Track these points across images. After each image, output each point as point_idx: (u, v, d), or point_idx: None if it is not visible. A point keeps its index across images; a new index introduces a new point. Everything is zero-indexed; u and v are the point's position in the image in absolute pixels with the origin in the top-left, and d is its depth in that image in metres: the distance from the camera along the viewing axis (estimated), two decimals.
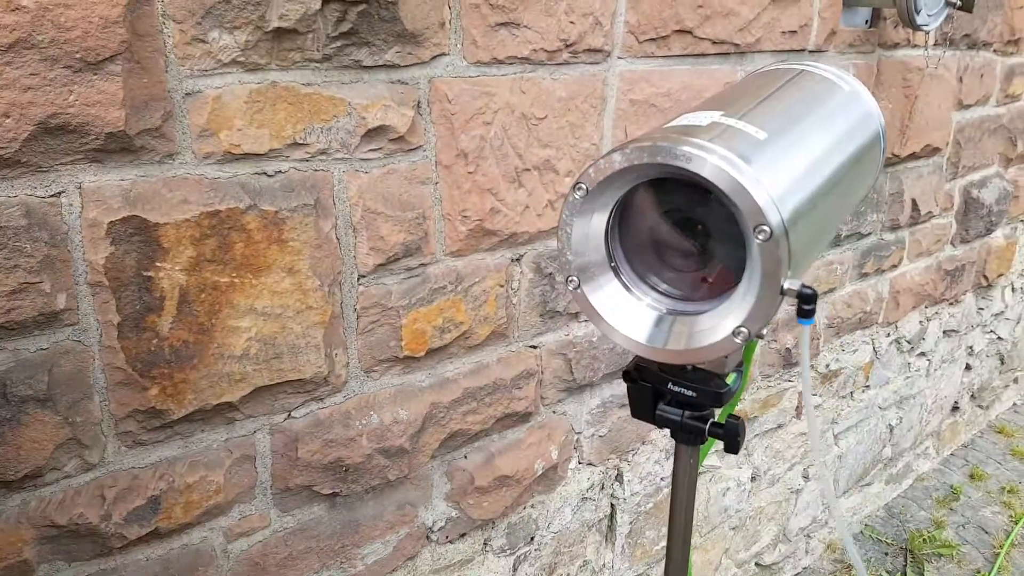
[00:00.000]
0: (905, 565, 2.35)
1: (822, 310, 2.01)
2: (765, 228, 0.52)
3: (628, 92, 1.35)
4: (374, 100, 1.05)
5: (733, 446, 0.69)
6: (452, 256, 1.20)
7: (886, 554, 2.41)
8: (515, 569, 1.49)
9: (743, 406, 1.91)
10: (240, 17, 0.92)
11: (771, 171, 0.54)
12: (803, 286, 0.54)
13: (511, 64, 1.18)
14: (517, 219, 1.24)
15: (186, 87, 0.90)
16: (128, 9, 0.84)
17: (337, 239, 1.07)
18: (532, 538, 1.50)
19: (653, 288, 0.63)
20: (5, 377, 0.83)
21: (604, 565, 1.67)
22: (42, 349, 0.86)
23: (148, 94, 0.87)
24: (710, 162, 0.53)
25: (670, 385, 0.69)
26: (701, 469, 1.87)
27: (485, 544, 1.42)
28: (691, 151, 0.53)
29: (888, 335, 2.29)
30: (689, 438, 0.73)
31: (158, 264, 0.91)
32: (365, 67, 1.04)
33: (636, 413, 0.73)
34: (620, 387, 1.55)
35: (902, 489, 2.70)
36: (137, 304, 0.90)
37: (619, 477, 1.64)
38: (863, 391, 2.29)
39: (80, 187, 0.85)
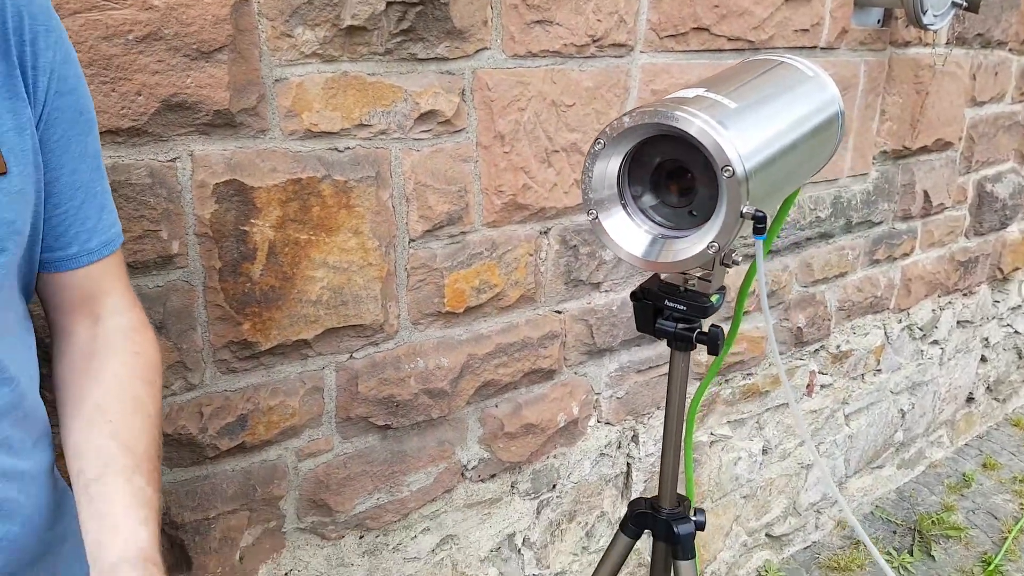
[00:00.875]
0: (912, 544, 2.54)
1: (833, 293, 2.21)
2: (729, 168, 0.77)
3: (650, 83, 1.57)
4: (426, 88, 1.28)
5: (714, 348, 0.93)
6: (488, 226, 1.43)
7: (895, 532, 2.61)
8: (538, 512, 1.71)
9: (754, 380, 2.12)
10: (320, 16, 1.15)
11: (740, 132, 0.79)
12: (757, 210, 0.78)
13: (544, 57, 1.41)
14: (546, 195, 1.47)
15: (275, 74, 1.14)
16: (233, 8, 1.08)
17: (392, 207, 1.30)
18: (554, 486, 1.72)
19: (650, 219, 0.88)
20: None
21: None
22: (158, 286, 1.10)
23: (246, 79, 1.11)
24: (695, 123, 0.77)
25: (667, 302, 0.95)
26: (713, 438, 2.08)
27: (512, 486, 1.65)
28: (681, 115, 0.78)
29: (899, 321, 2.48)
30: (681, 345, 0.99)
31: (252, 221, 1.15)
32: (419, 59, 1.27)
33: (640, 327, 0.98)
34: (637, 353, 1.77)
35: (914, 475, 2.89)
36: (235, 253, 1.14)
37: (635, 438, 1.86)
38: (874, 374, 2.49)
39: (192, 154, 1.09)
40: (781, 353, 2.14)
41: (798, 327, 2.14)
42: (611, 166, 0.85)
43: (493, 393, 1.53)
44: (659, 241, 0.86)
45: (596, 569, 1.24)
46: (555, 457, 1.70)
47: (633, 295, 0.97)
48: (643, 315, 0.97)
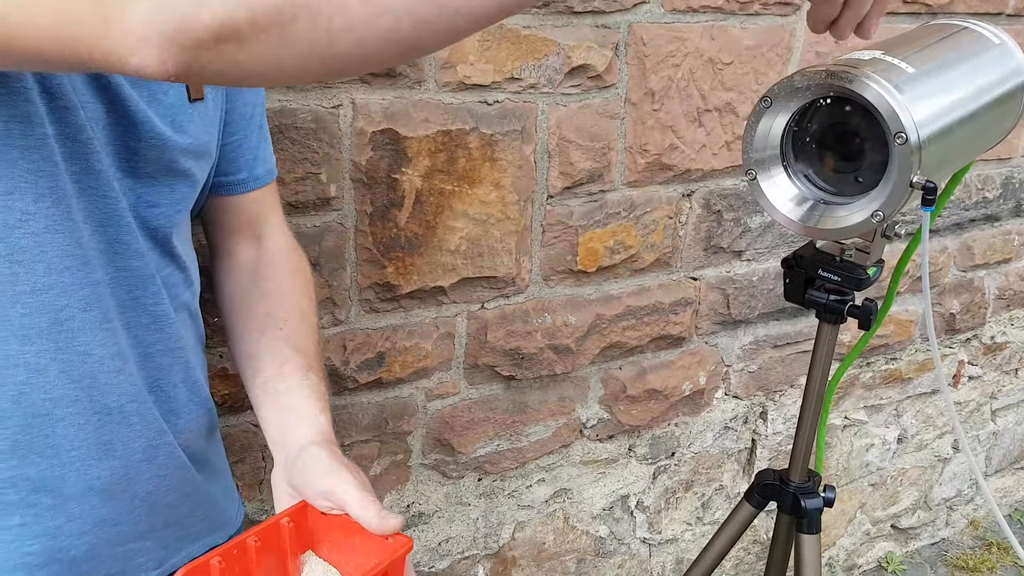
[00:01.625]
0: None
1: (992, 280, 2.12)
2: (903, 135, 0.78)
3: (815, 44, 1.54)
4: (580, 42, 1.32)
5: (866, 322, 0.95)
6: (628, 186, 1.47)
7: None
8: (654, 477, 1.77)
9: (897, 365, 2.07)
10: None
11: (917, 99, 0.80)
12: (927, 181, 0.78)
13: (704, 12, 1.41)
14: (693, 156, 1.48)
15: None
16: None
17: (534, 162, 1.35)
18: (673, 453, 1.77)
19: (812, 183, 0.90)
20: None
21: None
22: (315, 226, 1.21)
23: None
24: (870, 87, 0.78)
25: (820, 271, 0.97)
26: (847, 422, 2.07)
27: (630, 449, 1.70)
28: (856, 77, 0.80)
29: None
30: (831, 317, 1.01)
31: (403, 169, 1.23)
32: (575, 12, 1.30)
33: (789, 296, 1.01)
34: (774, 328, 1.78)
35: None
36: (384, 200, 1.23)
37: (763, 414, 1.88)
38: None
39: (353, 102, 1.18)
40: (929, 339, 2.09)
41: (951, 313, 2.08)
42: (775, 126, 0.87)
43: (618, 355, 1.58)
44: (819, 207, 0.88)
45: (714, 536, 1.29)
46: (676, 425, 1.74)
47: (785, 262, 0.99)
48: (794, 283, 0.99)
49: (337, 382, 1.30)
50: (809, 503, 1.18)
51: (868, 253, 0.95)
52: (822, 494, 1.20)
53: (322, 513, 0.72)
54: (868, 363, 2.02)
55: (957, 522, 2.51)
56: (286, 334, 0.84)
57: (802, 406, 1.13)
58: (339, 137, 1.18)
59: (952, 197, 1.94)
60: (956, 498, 2.45)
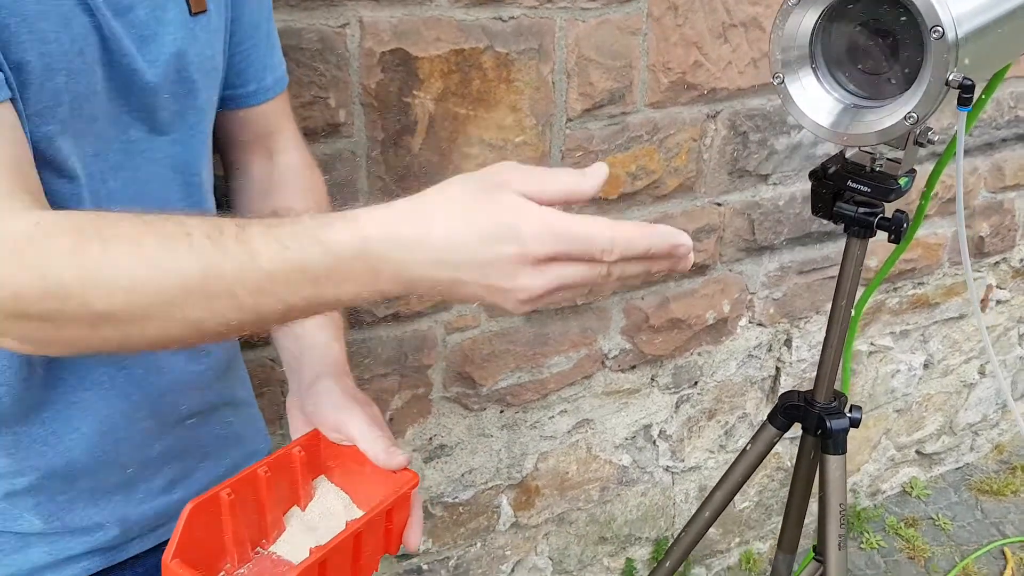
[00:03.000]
0: None
1: (1023, 201, 2.04)
2: (939, 28, 0.72)
3: None
4: None
5: (897, 235, 0.90)
6: (651, 107, 1.39)
7: None
8: (677, 407, 1.73)
9: (925, 290, 2.01)
10: None
11: None
12: (965, 78, 0.72)
13: None
14: (718, 74, 1.40)
15: None
16: None
17: (552, 83, 1.28)
18: (695, 383, 1.73)
19: (842, 86, 0.83)
20: None
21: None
22: (325, 155, 1.14)
23: None
24: None
25: (849, 182, 0.90)
26: (873, 348, 2.01)
27: (652, 379, 1.66)
28: None
29: None
30: (860, 231, 0.95)
31: (415, 92, 1.16)
32: None
33: (816, 210, 0.95)
34: (800, 253, 1.71)
35: None
36: (397, 125, 1.17)
37: (788, 342, 1.82)
38: None
39: (361, 20, 1.10)
40: (957, 263, 2.02)
41: (980, 236, 2.00)
42: (804, 24, 0.81)
43: (640, 285, 1.52)
44: (850, 111, 0.82)
45: (737, 458, 1.25)
46: (699, 355, 1.69)
47: (812, 174, 0.93)
48: (821, 197, 0.93)
49: (354, 315, 1.25)
50: (835, 423, 1.14)
51: (899, 163, 0.89)
52: (848, 414, 1.16)
53: (333, 442, 0.71)
54: (895, 288, 1.95)
55: (982, 447, 2.47)
56: None
57: (828, 324, 1.07)
58: (347, 58, 1.11)
59: (983, 115, 1.84)
60: (981, 423, 2.41)
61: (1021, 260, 2.15)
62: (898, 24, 0.78)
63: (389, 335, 1.30)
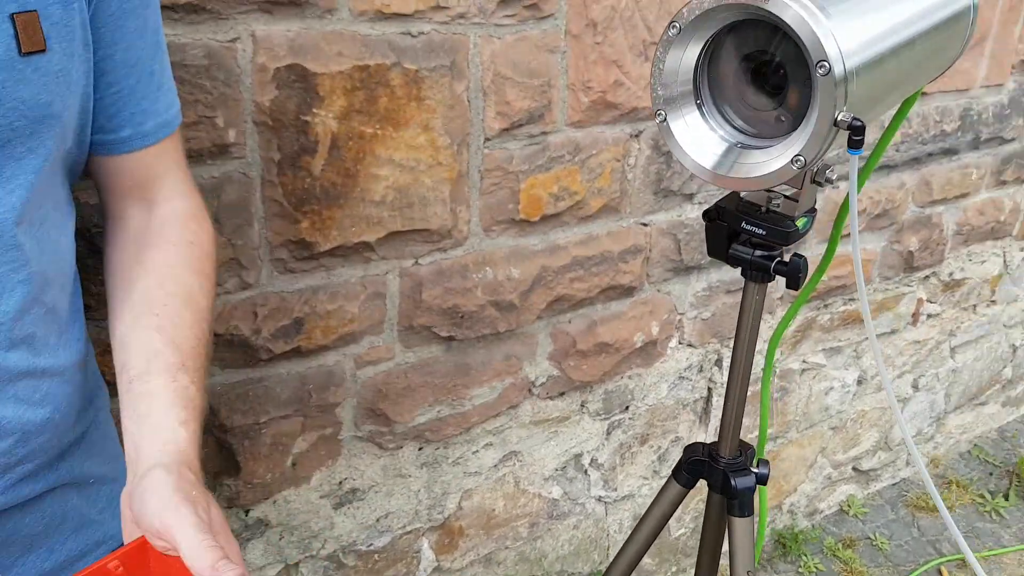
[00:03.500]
0: (1009, 487, 2.41)
1: (951, 215, 2.03)
2: (825, 63, 0.64)
3: None
4: None
5: (794, 282, 0.82)
6: (572, 126, 1.32)
7: (991, 474, 2.47)
8: (608, 433, 1.66)
9: (856, 306, 1.98)
10: None
11: (846, 22, 0.66)
12: (854, 118, 0.65)
13: None
14: (640, 93, 1.34)
15: None
16: None
17: (468, 101, 1.20)
18: (627, 407, 1.66)
19: (729, 122, 0.76)
20: None
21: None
22: (214, 177, 1.05)
23: None
24: (790, 7, 0.65)
25: (744, 224, 0.83)
26: (805, 366, 1.97)
27: (582, 405, 1.59)
28: None
29: (1022, 249, 2.28)
30: (757, 275, 0.87)
31: (314, 110, 1.07)
32: None
33: (712, 252, 0.88)
34: (728, 272, 1.66)
35: (1019, 414, 2.72)
36: (295, 145, 1.07)
37: (718, 362, 1.77)
38: (988, 305, 2.31)
39: (253, 34, 1.01)
40: (888, 278, 1.99)
41: (909, 251, 1.98)
42: (687, 57, 0.73)
43: (566, 308, 1.45)
44: (735, 151, 0.74)
45: (643, 516, 1.17)
46: (630, 378, 1.62)
47: (706, 214, 0.86)
48: (716, 238, 0.86)
49: (248, 353, 1.15)
50: (740, 482, 1.05)
51: (797, 202, 0.81)
52: (755, 470, 1.07)
53: (162, 552, 0.57)
54: (825, 305, 1.92)
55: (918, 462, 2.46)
56: (161, 322, 0.69)
57: (730, 374, 1.00)
58: (237, 75, 1.02)
59: (909, 130, 1.82)
60: (916, 437, 2.39)
61: (951, 274, 2.14)
62: (786, 58, 0.71)
63: (290, 372, 1.20)
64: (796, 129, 0.70)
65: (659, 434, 1.75)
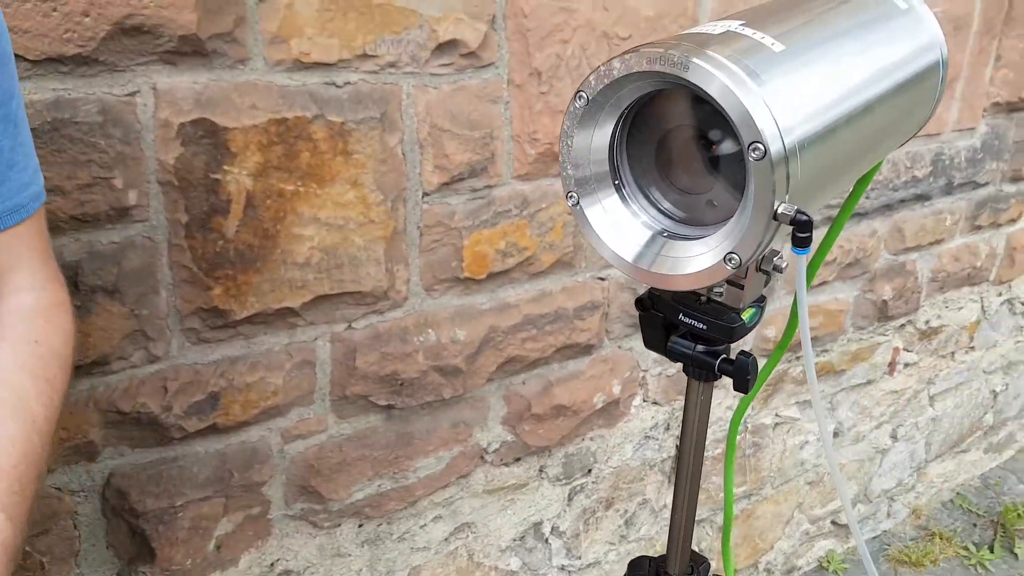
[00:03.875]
0: (994, 539, 2.30)
1: (926, 262, 1.94)
2: (759, 146, 0.52)
3: (725, 12, 1.32)
4: (446, 12, 1.07)
5: (742, 384, 0.69)
6: (519, 179, 1.23)
7: (975, 525, 2.36)
8: (570, 499, 1.54)
9: (829, 357, 1.88)
10: None
11: (782, 89, 0.54)
12: (798, 211, 0.53)
13: None
14: None
15: None
16: None
17: (403, 155, 1.11)
18: (589, 470, 1.55)
19: (654, 205, 0.64)
20: (77, 266, 0.92)
21: (664, 506, 1.72)
22: (113, 242, 0.94)
23: None
24: (714, 76, 0.53)
25: (681, 316, 0.70)
26: (779, 420, 1.87)
27: (541, 471, 1.48)
28: (690, 59, 0.53)
29: (1000, 295, 2.19)
30: (700, 373, 0.73)
31: (226, 167, 0.97)
32: None
33: (648, 343, 0.74)
34: None
35: (1002, 460, 2.62)
36: (205, 205, 0.97)
37: None
38: (966, 352, 2.21)
39: (154, 88, 0.91)
40: (862, 327, 1.90)
41: (883, 300, 1.89)
42: (600, 131, 0.62)
43: (519, 369, 1.35)
44: (659, 241, 0.62)
45: None
46: (592, 439, 1.52)
47: (639, 302, 0.73)
48: (651, 329, 0.73)
49: (159, 432, 1.04)
50: None
51: (743, 289, 0.68)
52: None
53: None
54: (797, 357, 1.82)
55: (898, 512, 2.35)
56: None
57: (676, 481, 0.84)
58: (138, 131, 0.92)
59: (880, 177, 1.74)
60: (896, 488, 2.29)
61: (927, 322, 2.05)
62: (714, 133, 0.60)
63: (208, 450, 1.09)
64: (731, 218, 0.58)
65: (625, 497, 1.64)
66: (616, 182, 0.64)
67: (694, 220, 0.63)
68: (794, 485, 2.00)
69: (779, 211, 0.53)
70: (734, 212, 0.58)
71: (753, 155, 0.52)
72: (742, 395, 0.71)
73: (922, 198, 1.83)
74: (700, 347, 0.71)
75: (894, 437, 2.19)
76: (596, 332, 1.42)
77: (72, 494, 1.04)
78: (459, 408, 1.31)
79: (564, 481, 1.52)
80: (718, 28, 0.59)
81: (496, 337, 1.29)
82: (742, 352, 0.70)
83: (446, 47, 1.08)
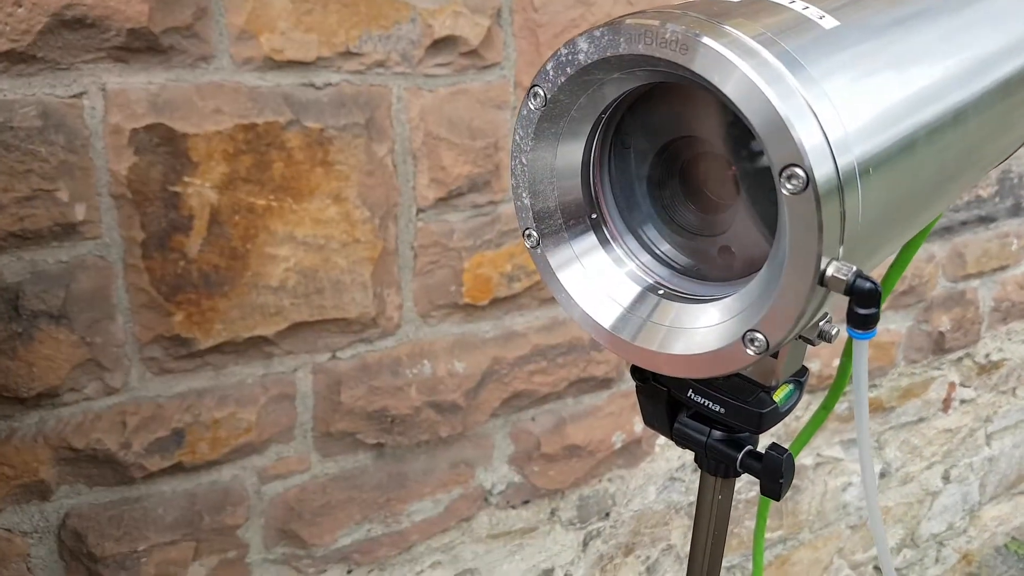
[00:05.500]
0: None
1: (987, 290, 1.75)
2: (798, 171, 0.32)
3: None
4: (443, 5, 0.93)
5: (772, 490, 0.49)
6: None
7: None
8: (586, 544, 1.39)
9: (878, 393, 1.70)
10: None
11: (835, 86, 0.35)
12: (859, 275, 0.34)
13: None
14: None
15: None
16: None
17: (394, 166, 0.97)
18: (607, 514, 1.39)
19: (647, 249, 0.46)
20: (18, 289, 0.81)
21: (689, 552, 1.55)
22: (61, 262, 0.83)
23: None
24: (723, 59, 0.34)
25: (691, 393, 0.49)
26: (820, 460, 1.69)
27: (552, 514, 1.33)
28: (697, 39, 0.34)
29: None
30: (717, 467, 0.53)
31: (186, 179, 0.85)
32: None
33: (649, 421, 0.54)
34: None
35: None
36: (163, 221, 0.85)
37: None
38: None
39: (103, 88, 0.80)
40: (915, 361, 1.71)
41: (940, 331, 1.70)
42: (569, 144, 0.43)
43: (527, 405, 1.20)
44: (649, 300, 0.43)
45: None
46: (610, 480, 1.36)
47: (635, 371, 0.52)
48: (652, 405, 0.53)
49: (119, 470, 0.92)
50: None
51: (775, 357, 0.46)
52: None
53: None
54: (844, 392, 1.64)
55: (948, 557, 2.14)
56: None
57: None
58: (86, 138, 0.80)
59: None
60: (947, 532, 2.08)
61: (987, 355, 1.85)
62: (734, 150, 0.41)
63: (175, 490, 0.96)
64: (754, 274, 0.39)
65: (647, 543, 1.48)
66: (593, 216, 0.45)
67: (702, 272, 0.45)
68: (835, 529, 1.81)
69: (829, 273, 0.35)
70: (760, 263, 0.38)
71: (789, 185, 0.33)
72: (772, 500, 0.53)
73: (986, 220, 1.64)
74: (717, 433, 0.52)
75: (946, 478, 1.99)
76: (615, 364, 1.26)
77: (24, 535, 0.92)
78: (460, 446, 1.17)
79: (579, 525, 1.37)
80: None
81: (500, 369, 1.14)
82: (774, 445, 0.50)
83: (443, 44, 0.95)
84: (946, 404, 1.85)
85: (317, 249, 0.95)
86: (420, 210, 1.01)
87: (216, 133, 0.85)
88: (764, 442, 0.51)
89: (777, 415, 0.48)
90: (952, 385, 1.83)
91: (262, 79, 0.86)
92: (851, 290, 0.34)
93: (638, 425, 1.34)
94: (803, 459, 1.65)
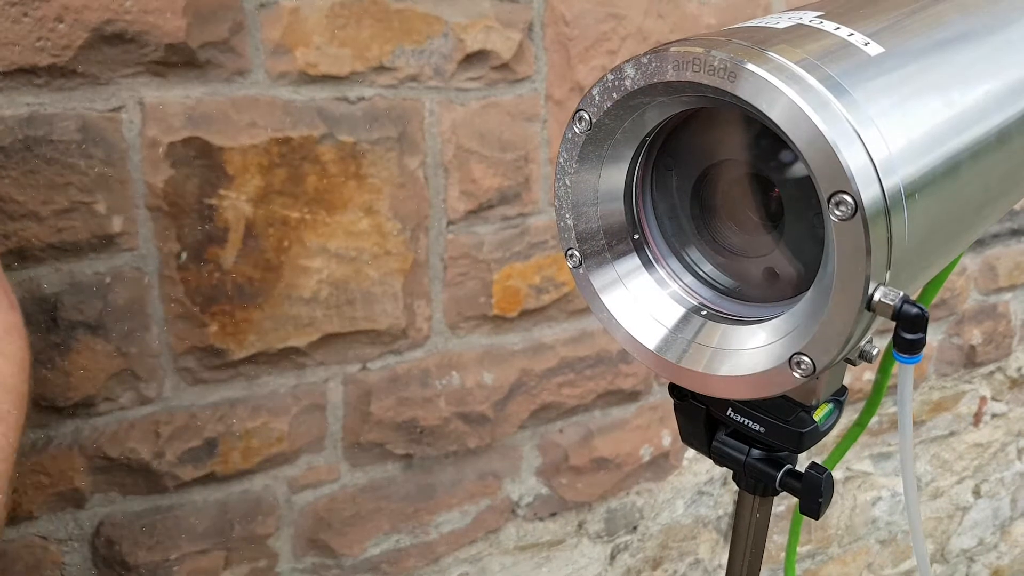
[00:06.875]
0: None
1: (1020, 303, 1.71)
2: (847, 198, 0.32)
3: None
4: (475, 19, 0.93)
5: (812, 508, 0.50)
6: None
7: None
8: (613, 557, 1.37)
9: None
10: None
11: (881, 110, 0.35)
12: (906, 300, 0.34)
13: None
14: None
15: None
16: None
17: (425, 179, 0.97)
18: (635, 527, 1.38)
19: (690, 270, 0.45)
20: (56, 300, 0.81)
21: (719, 566, 1.53)
22: (98, 273, 0.83)
23: (216, 2, 0.80)
24: (768, 84, 0.34)
25: (730, 412, 0.50)
26: (849, 474, 1.66)
27: (580, 527, 1.31)
28: (742, 65, 0.34)
29: None
30: (756, 486, 0.53)
31: (222, 192, 0.85)
32: None
33: (687, 439, 0.55)
34: None
35: None
36: (199, 233, 0.85)
37: None
38: None
39: (141, 102, 0.80)
40: (945, 375, 1.68)
41: (971, 345, 1.67)
42: (613, 167, 0.43)
43: (555, 417, 1.19)
44: (694, 321, 0.43)
45: None
46: (638, 494, 1.34)
47: (673, 388, 0.53)
48: (691, 423, 0.53)
49: (152, 479, 0.92)
50: None
51: (817, 379, 0.44)
52: None
53: None
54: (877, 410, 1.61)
55: (978, 574, 2.09)
56: None
57: None
58: (123, 151, 0.81)
59: None
60: (977, 547, 2.04)
61: (1019, 369, 1.81)
62: (778, 173, 0.41)
63: (207, 499, 0.96)
64: (799, 295, 0.39)
65: (675, 557, 1.46)
66: (636, 237, 0.45)
67: (745, 293, 0.44)
68: (864, 544, 1.78)
69: (876, 298, 0.35)
70: (804, 284, 0.39)
71: (838, 212, 0.33)
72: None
73: (1018, 233, 1.61)
74: (756, 452, 0.52)
75: (977, 493, 1.95)
76: (643, 377, 1.25)
77: (59, 543, 0.93)
78: (487, 458, 1.16)
79: (606, 538, 1.35)
80: (784, 21, 0.41)
81: (529, 381, 1.14)
82: (814, 465, 0.50)
83: (475, 58, 0.95)
84: (977, 418, 1.81)
85: (349, 261, 0.94)
86: (450, 222, 1.01)
87: (251, 146, 0.85)
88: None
89: (817, 434, 0.48)
90: (983, 399, 1.79)
91: (296, 93, 0.87)
92: (898, 315, 0.34)
93: (666, 438, 1.32)
94: (833, 473, 1.62)
